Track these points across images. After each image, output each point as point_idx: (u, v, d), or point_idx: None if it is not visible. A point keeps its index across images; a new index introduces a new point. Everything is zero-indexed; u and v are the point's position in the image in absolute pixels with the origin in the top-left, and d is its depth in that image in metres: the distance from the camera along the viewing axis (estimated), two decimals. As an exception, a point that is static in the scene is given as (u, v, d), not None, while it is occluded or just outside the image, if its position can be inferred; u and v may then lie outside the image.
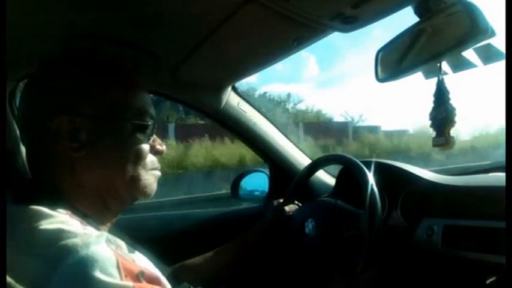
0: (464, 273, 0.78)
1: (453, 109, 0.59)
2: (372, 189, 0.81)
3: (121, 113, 0.49)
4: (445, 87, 0.60)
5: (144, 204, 0.72)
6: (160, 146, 0.55)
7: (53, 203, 0.42)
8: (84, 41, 0.71)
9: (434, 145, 0.62)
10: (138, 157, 0.50)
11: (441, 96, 0.60)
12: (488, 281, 0.74)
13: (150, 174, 0.53)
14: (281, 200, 1.04)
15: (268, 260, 1.03)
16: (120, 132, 0.49)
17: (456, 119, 0.59)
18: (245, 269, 0.92)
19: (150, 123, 0.52)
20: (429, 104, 0.62)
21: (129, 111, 0.50)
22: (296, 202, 1.04)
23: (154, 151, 0.54)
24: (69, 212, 0.42)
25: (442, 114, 0.60)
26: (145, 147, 0.51)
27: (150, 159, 0.53)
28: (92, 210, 0.48)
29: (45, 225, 0.38)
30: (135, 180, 0.50)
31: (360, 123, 17.53)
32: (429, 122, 0.62)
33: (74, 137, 0.46)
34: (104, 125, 0.48)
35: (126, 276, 0.36)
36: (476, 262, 0.74)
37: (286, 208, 1.00)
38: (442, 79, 0.60)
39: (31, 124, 0.48)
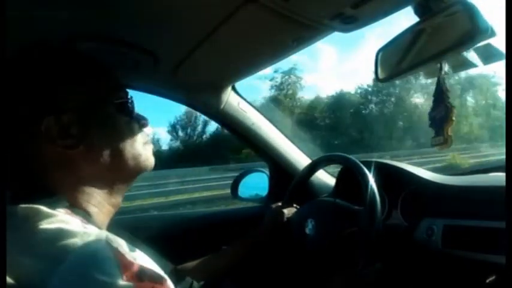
0: (464, 273, 0.78)
1: (451, 107, 0.60)
2: (372, 189, 0.81)
3: (102, 98, 0.50)
4: (445, 86, 0.60)
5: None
6: (143, 119, 0.56)
7: (53, 202, 0.42)
8: (84, 41, 0.71)
9: (432, 145, 0.62)
10: (131, 134, 0.51)
11: (440, 95, 0.60)
12: (488, 281, 0.74)
13: (146, 148, 0.54)
14: (279, 204, 1.03)
15: (268, 261, 1.03)
16: (107, 116, 0.50)
17: (454, 117, 0.60)
18: (246, 270, 0.92)
19: (130, 99, 0.53)
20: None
21: (108, 93, 0.51)
22: (295, 205, 1.04)
23: (140, 125, 0.55)
24: (69, 211, 0.42)
25: (441, 113, 0.60)
26: (133, 123, 0.53)
27: (140, 133, 0.54)
28: (94, 202, 0.48)
29: (45, 224, 0.38)
30: (136, 157, 0.52)
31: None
32: (428, 122, 0.62)
33: (66, 135, 0.45)
34: (91, 114, 0.48)
35: (127, 275, 0.35)
36: (476, 262, 0.73)
37: (285, 211, 1.00)
38: (442, 79, 0.60)
39: (19, 127, 0.47)
